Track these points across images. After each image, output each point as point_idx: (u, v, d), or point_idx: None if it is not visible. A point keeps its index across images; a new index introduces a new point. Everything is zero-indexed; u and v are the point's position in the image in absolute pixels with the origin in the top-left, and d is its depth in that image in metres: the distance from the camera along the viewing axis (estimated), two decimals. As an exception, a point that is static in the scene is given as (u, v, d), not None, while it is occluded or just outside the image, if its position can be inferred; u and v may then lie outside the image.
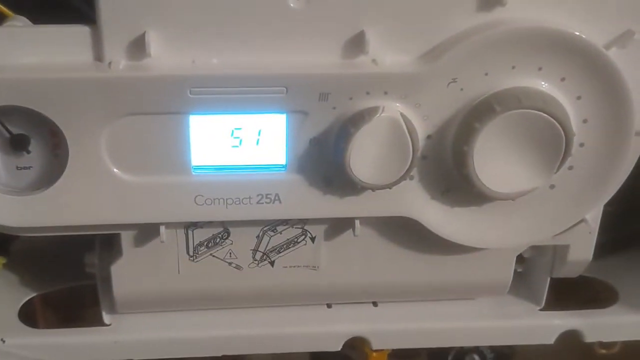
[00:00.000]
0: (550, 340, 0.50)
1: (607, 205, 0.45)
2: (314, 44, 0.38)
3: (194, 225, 0.44)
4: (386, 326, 0.49)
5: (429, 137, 0.40)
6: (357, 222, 0.43)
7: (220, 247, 0.45)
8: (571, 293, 0.53)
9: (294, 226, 0.45)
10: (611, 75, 0.39)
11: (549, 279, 0.50)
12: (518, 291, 0.51)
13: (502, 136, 0.39)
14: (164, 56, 0.37)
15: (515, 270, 0.48)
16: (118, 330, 0.48)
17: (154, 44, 0.37)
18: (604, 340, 0.51)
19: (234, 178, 0.41)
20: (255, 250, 0.45)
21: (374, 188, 0.40)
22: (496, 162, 0.39)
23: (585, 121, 0.40)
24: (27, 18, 0.40)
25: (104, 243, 0.46)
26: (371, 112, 0.38)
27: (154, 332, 0.48)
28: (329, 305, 0.50)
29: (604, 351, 0.54)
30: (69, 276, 0.50)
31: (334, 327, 0.49)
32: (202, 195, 0.41)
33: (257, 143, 0.40)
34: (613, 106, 0.40)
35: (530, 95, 0.38)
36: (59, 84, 0.37)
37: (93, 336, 0.47)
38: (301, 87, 0.38)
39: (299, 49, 0.38)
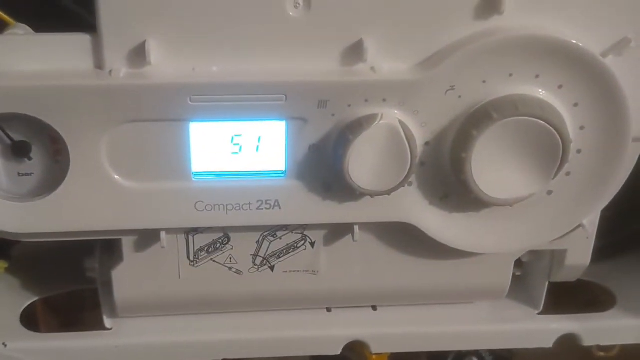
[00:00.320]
0: (549, 343, 0.50)
1: (604, 210, 0.45)
2: (313, 52, 0.38)
3: (195, 230, 0.44)
4: (385, 330, 0.49)
5: (427, 143, 0.40)
6: (356, 227, 0.43)
7: (221, 252, 0.45)
8: (569, 297, 0.53)
9: (294, 231, 0.45)
10: (608, 83, 0.39)
11: (547, 283, 0.50)
12: (516, 295, 0.51)
13: (499, 143, 0.39)
14: (165, 64, 0.38)
15: (513, 275, 0.48)
16: (119, 334, 0.48)
17: (155, 52, 0.37)
18: (602, 344, 0.52)
19: (234, 184, 0.41)
20: (255, 255, 0.45)
21: (372, 194, 0.40)
22: (494, 168, 0.39)
23: (582, 128, 0.40)
24: (29, 26, 0.40)
25: (104, 248, 0.46)
26: (370, 119, 0.38)
27: (155, 337, 0.48)
28: (328, 310, 0.50)
29: (602, 354, 0.54)
30: (70, 280, 0.50)
31: (333, 331, 0.49)
32: (202, 202, 0.41)
33: (257, 150, 0.40)
34: (610, 113, 0.40)
35: (528, 102, 0.39)
36: (61, 92, 0.37)
37: (94, 340, 0.48)
38: (300, 95, 0.38)
39: (298, 56, 0.38)
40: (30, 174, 0.40)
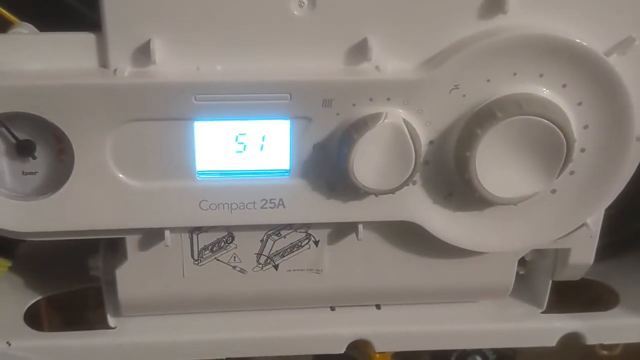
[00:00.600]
0: (552, 342, 0.50)
1: (608, 208, 0.45)
2: (317, 51, 0.38)
3: (199, 229, 0.44)
4: (389, 329, 0.50)
5: (431, 142, 0.40)
6: (360, 226, 0.43)
7: (225, 251, 0.45)
8: (573, 296, 0.53)
9: (298, 230, 0.45)
10: (612, 82, 0.39)
11: (550, 282, 0.50)
12: (520, 294, 0.51)
13: (503, 142, 0.39)
14: (169, 63, 0.38)
15: (517, 273, 0.48)
16: (123, 333, 0.48)
17: (159, 51, 0.37)
18: (606, 343, 0.52)
19: (238, 183, 0.41)
20: (259, 254, 0.45)
21: (377, 193, 0.40)
22: (498, 167, 0.40)
23: (586, 127, 0.41)
24: (33, 25, 0.40)
25: (108, 247, 0.46)
26: (374, 118, 0.38)
27: (159, 335, 0.48)
28: (332, 308, 0.50)
29: (605, 353, 0.54)
30: (74, 279, 0.51)
31: (337, 329, 0.49)
32: (206, 200, 0.41)
33: (261, 149, 0.40)
34: (614, 112, 0.40)
35: (532, 101, 0.39)
36: (65, 91, 0.37)
37: (98, 339, 0.48)
38: (305, 94, 0.38)
39: (302, 55, 0.38)
40: (35, 173, 0.40)
